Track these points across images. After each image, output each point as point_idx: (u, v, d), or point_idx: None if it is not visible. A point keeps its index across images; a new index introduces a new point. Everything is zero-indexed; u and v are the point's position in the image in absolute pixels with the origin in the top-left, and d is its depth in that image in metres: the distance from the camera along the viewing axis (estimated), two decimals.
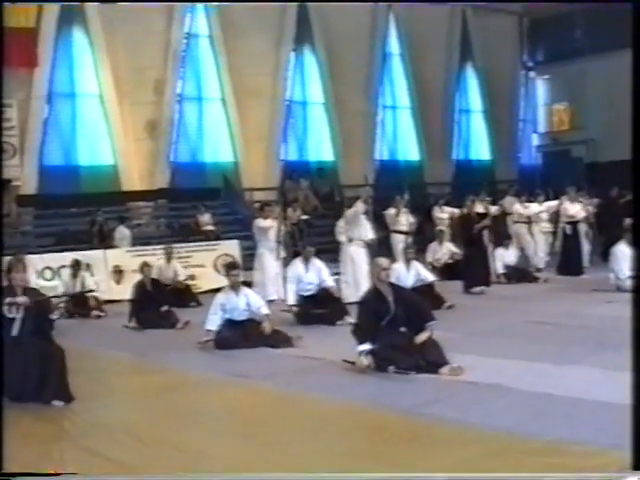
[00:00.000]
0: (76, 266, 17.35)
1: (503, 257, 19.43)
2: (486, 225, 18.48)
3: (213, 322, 12.01)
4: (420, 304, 10.15)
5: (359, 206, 16.41)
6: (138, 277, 15.82)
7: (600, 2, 26.78)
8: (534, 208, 21.89)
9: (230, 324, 12.03)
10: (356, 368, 9.53)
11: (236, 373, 10.09)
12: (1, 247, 14.21)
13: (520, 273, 19.33)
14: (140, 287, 15.35)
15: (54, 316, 14.07)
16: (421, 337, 9.57)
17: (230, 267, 12.92)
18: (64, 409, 8.41)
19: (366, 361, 9.45)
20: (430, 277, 15.58)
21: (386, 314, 9.69)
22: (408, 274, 14.82)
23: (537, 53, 39.87)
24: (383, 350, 9.44)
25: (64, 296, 16.81)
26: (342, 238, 16.71)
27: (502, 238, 20.22)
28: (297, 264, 14.54)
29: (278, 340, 11.82)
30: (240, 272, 12.90)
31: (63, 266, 17.93)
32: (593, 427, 6.89)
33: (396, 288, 10.15)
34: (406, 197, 20.53)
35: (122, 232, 22.50)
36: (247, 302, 12.12)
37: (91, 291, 17.11)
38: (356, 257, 16.42)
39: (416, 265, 15.35)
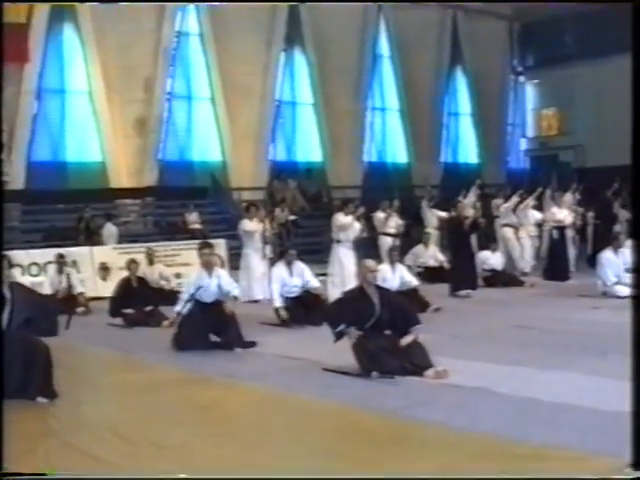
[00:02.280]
0: (61, 260, 17.25)
1: (487, 259, 19.46)
2: (477, 219, 18.42)
3: (181, 305, 11.99)
4: (406, 307, 10.13)
5: (355, 225, 16.62)
6: (124, 274, 15.81)
7: (600, 2, 26.76)
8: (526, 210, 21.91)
9: (195, 313, 11.92)
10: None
11: (222, 372, 10.09)
12: (1, 244, 14.08)
13: (506, 277, 19.35)
14: (126, 284, 15.31)
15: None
16: (406, 340, 9.55)
17: (202, 247, 12.77)
18: (49, 406, 8.39)
19: (355, 335, 9.48)
20: (414, 281, 15.54)
21: (370, 316, 9.67)
22: (394, 276, 14.79)
23: (527, 58, 39.99)
24: (369, 351, 9.43)
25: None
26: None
27: (488, 241, 20.28)
28: (281, 267, 14.39)
29: (234, 340, 11.70)
30: (212, 251, 12.76)
31: (49, 262, 17.83)
32: (578, 432, 6.90)
33: (382, 290, 10.12)
34: (396, 204, 20.43)
35: (110, 229, 22.45)
36: (218, 283, 12.06)
37: (81, 293, 16.99)
38: (344, 258, 16.44)
39: (400, 268, 15.34)
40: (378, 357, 9.34)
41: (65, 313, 15.83)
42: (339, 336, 9.72)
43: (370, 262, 10.22)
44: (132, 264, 15.63)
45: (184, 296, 12.07)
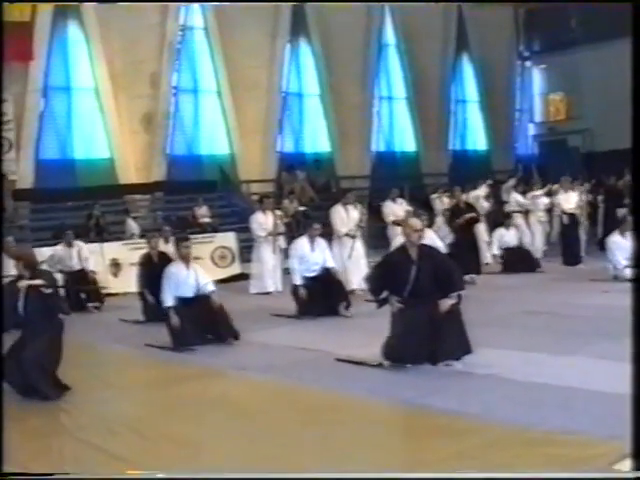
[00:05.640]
0: (69, 232, 16.99)
1: (502, 237, 19.37)
2: (472, 217, 18.38)
3: (169, 299, 11.73)
4: (452, 270, 9.63)
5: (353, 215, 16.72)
6: (135, 270, 15.63)
7: (601, 2, 26.72)
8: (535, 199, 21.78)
9: (181, 309, 11.69)
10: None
11: (234, 365, 10.10)
12: (1, 240, 14.15)
13: (521, 256, 19.20)
14: (147, 261, 15.00)
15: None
16: (444, 305, 9.18)
17: (181, 239, 12.65)
18: (62, 403, 8.42)
19: (396, 306, 9.31)
20: None
21: (407, 278, 9.35)
22: None
23: (533, 43, 39.83)
24: (397, 342, 9.25)
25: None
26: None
27: (503, 218, 20.13)
28: (303, 243, 14.14)
29: (226, 331, 11.59)
30: (190, 244, 12.47)
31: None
32: (590, 417, 6.91)
33: (426, 251, 9.68)
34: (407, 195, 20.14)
35: (130, 224, 22.71)
36: (195, 277, 11.93)
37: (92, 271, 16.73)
38: (344, 251, 16.38)
39: None
40: (405, 351, 9.20)
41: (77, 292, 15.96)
42: (382, 303, 9.57)
43: (415, 221, 9.86)
44: (152, 240, 15.41)
45: (165, 293, 11.83)
